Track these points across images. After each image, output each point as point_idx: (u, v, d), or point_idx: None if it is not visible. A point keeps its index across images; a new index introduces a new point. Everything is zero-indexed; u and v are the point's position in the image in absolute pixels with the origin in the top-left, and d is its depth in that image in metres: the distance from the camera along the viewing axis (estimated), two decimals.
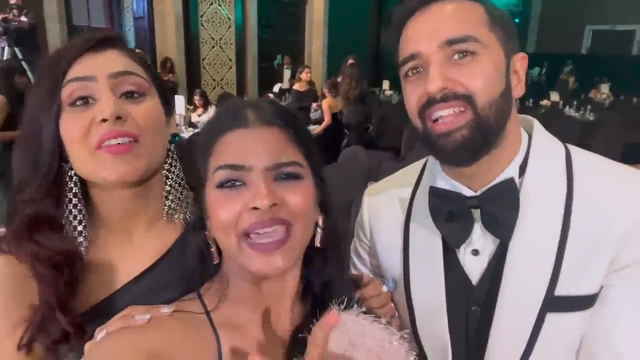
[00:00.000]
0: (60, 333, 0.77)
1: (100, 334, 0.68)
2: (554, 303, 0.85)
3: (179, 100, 6.38)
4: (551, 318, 0.86)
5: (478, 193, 0.90)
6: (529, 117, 0.97)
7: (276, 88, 10.47)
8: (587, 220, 0.85)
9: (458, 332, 0.94)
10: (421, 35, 0.85)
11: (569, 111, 9.05)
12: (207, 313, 0.72)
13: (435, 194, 0.93)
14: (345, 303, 0.76)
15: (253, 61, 11.30)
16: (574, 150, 0.93)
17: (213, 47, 10.56)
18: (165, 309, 0.70)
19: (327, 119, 6.68)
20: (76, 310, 0.79)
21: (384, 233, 1.05)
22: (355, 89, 6.78)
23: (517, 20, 16.60)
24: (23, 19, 7.42)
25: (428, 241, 0.96)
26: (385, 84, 10.77)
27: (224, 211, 0.68)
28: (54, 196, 0.80)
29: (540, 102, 9.57)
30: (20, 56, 7.10)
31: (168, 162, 0.89)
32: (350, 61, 7.74)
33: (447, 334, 0.94)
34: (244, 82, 11.30)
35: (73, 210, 0.81)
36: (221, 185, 0.69)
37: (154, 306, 0.71)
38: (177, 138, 0.93)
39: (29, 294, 0.78)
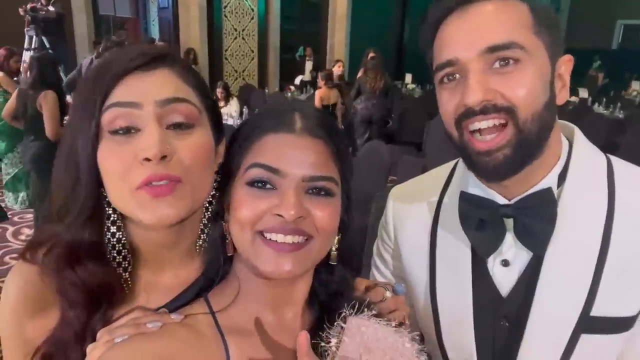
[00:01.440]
0: (81, 357, 0.72)
1: (108, 336, 0.67)
2: (589, 323, 0.81)
3: None
4: (585, 339, 0.81)
5: (512, 202, 0.85)
6: (570, 125, 0.91)
7: (297, 80, 10.46)
8: (628, 237, 0.80)
9: (485, 344, 0.90)
10: (459, 40, 0.78)
11: (598, 108, 8.81)
12: (215, 320, 0.71)
13: (466, 199, 0.89)
14: (356, 307, 0.75)
15: (275, 52, 11.31)
16: (616, 161, 0.88)
17: (235, 38, 10.58)
18: (175, 316, 0.70)
19: None
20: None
21: (410, 236, 1.02)
22: (379, 81, 6.73)
23: None
24: (51, 8, 7.55)
25: (456, 248, 0.93)
26: (408, 78, 10.63)
27: (248, 210, 0.67)
28: (95, 224, 0.73)
29: (569, 99, 9.30)
30: (47, 45, 7.23)
31: (212, 193, 0.79)
32: (371, 54, 7.66)
33: (473, 346, 0.90)
34: (265, 74, 11.31)
35: (112, 239, 0.75)
36: (252, 183, 0.68)
37: (164, 313, 0.70)
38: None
39: (49, 315, 0.74)
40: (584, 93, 9.33)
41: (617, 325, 0.81)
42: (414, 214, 1.01)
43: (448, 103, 0.82)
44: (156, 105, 0.70)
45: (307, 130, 0.70)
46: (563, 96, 0.82)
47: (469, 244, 0.90)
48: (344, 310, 0.74)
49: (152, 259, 0.80)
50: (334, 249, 0.75)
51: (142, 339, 0.66)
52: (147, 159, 0.67)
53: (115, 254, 0.75)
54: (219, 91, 6.78)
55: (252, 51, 10.91)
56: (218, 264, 0.75)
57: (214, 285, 0.76)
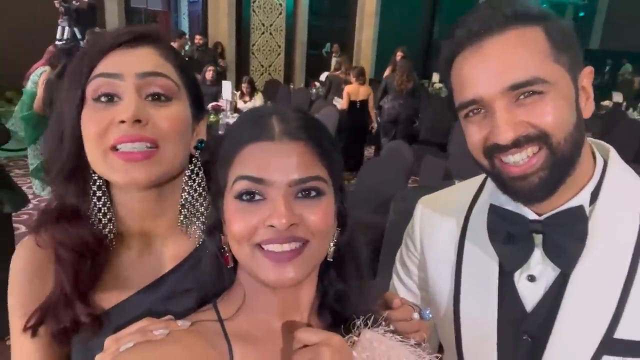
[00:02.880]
0: (71, 321, 0.77)
1: (115, 345, 0.67)
2: (612, 345, 0.79)
3: (227, 86, 6.45)
4: None
5: (543, 218, 0.84)
6: (606, 144, 0.90)
7: (322, 76, 10.44)
8: None
9: (506, 359, 0.89)
10: (480, 79, 0.76)
11: (633, 114, 8.53)
12: (223, 327, 0.71)
13: (496, 213, 0.88)
14: (371, 320, 0.74)
15: (302, 48, 11.31)
16: None
17: (263, 33, 10.63)
18: (182, 323, 0.70)
19: (344, 105, 6.68)
20: (96, 305, 0.80)
21: (437, 247, 1.00)
22: (408, 82, 6.69)
23: (581, 14, 15.75)
24: None
25: (483, 261, 0.91)
26: (435, 77, 10.50)
27: (240, 224, 0.67)
28: (79, 187, 0.80)
29: (601, 103, 9.04)
30: (79, 36, 7.39)
31: (190, 168, 0.84)
32: (400, 54, 7.59)
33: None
34: (291, 69, 11.33)
35: (97, 202, 0.80)
36: (240, 197, 0.67)
37: (171, 320, 0.70)
38: (202, 145, 0.87)
39: (47, 283, 0.79)
40: (617, 97, 9.03)
41: None
42: (442, 224, 1.00)
43: (476, 136, 0.81)
44: (136, 77, 0.76)
45: (287, 134, 0.68)
46: (589, 109, 0.81)
47: (496, 257, 0.89)
48: (359, 322, 0.73)
49: (137, 231, 0.84)
50: (331, 245, 0.73)
51: (147, 346, 0.66)
52: (123, 121, 0.73)
53: (100, 216, 0.81)
54: (244, 86, 6.85)
55: (279, 46, 10.95)
56: (217, 274, 0.75)
57: (221, 293, 0.76)
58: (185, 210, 0.85)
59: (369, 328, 0.73)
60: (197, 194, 0.85)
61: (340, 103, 6.78)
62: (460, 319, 0.94)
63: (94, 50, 0.77)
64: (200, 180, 0.85)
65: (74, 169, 0.78)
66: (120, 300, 0.81)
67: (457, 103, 0.82)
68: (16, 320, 0.81)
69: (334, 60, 11.36)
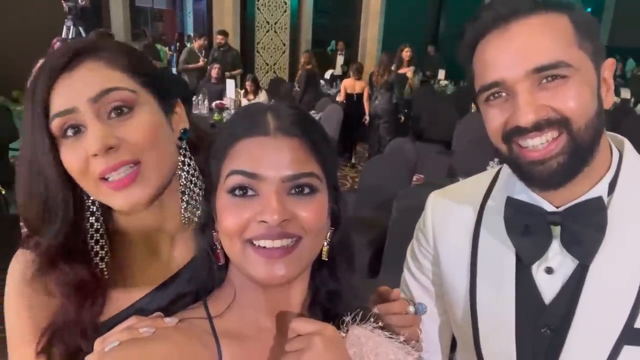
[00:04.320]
0: (78, 345, 0.77)
1: (101, 345, 0.66)
2: (632, 335, 0.79)
3: (230, 84, 6.45)
4: (628, 350, 0.79)
5: (561, 209, 0.84)
6: (620, 136, 0.90)
7: (327, 74, 10.42)
8: None
9: (525, 353, 0.88)
10: (504, 61, 0.77)
11: None
12: (211, 323, 0.71)
13: (513, 205, 0.87)
14: (360, 316, 0.73)
15: (306, 46, 11.29)
16: None
17: (268, 31, 10.62)
18: (169, 320, 0.69)
19: (341, 97, 7.12)
20: (96, 323, 0.79)
21: (451, 241, 1.00)
22: (382, 76, 6.80)
23: (589, 10, 15.61)
24: None
25: (499, 253, 0.91)
26: (441, 74, 10.44)
27: (232, 219, 0.67)
28: (75, 225, 0.78)
29: None
30: (84, 35, 7.40)
31: (180, 159, 0.83)
32: (407, 50, 7.59)
33: (514, 354, 0.88)
34: (296, 67, 11.30)
35: (90, 229, 0.79)
36: (232, 191, 0.67)
37: (158, 317, 0.70)
38: (186, 135, 0.85)
39: (47, 293, 0.79)
40: (625, 93, 8.94)
41: None
42: (456, 218, 0.99)
43: (496, 120, 0.81)
44: (90, 102, 0.73)
45: (281, 129, 0.68)
46: (609, 100, 0.82)
47: (513, 249, 0.88)
48: (347, 317, 0.72)
49: (142, 240, 0.84)
50: (325, 244, 0.73)
51: (133, 344, 0.65)
52: (95, 155, 0.72)
53: (93, 244, 0.79)
54: (248, 84, 6.88)
55: (284, 44, 10.93)
56: (208, 272, 0.75)
57: (212, 291, 0.75)
58: (185, 202, 0.83)
59: (357, 324, 0.73)
60: (193, 184, 0.85)
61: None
62: (477, 312, 0.93)
63: (39, 89, 0.74)
64: (193, 170, 0.85)
65: (73, 209, 0.77)
66: (129, 303, 0.81)
67: (479, 86, 0.81)
68: (22, 338, 0.79)
69: (339, 58, 11.34)
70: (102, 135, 0.72)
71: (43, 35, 5.47)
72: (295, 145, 0.68)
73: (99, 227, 0.80)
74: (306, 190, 0.68)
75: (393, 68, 7.06)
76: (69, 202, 0.77)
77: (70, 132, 0.74)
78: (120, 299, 0.82)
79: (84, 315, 0.77)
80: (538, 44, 0.75)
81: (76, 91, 0.74)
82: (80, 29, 7.49)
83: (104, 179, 0.74)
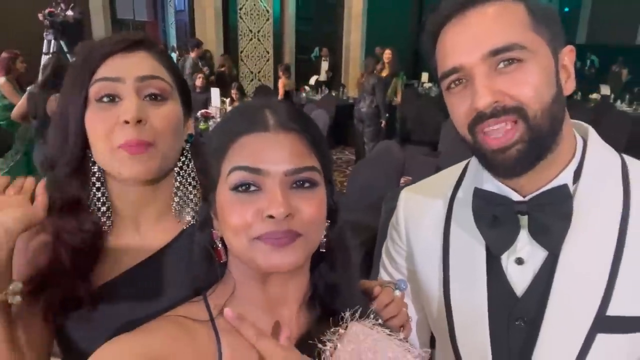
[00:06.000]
0: (71, 293, 0.81)
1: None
2: (605, 323, 0.79)
3: (215, 93, 6.43)
4: (602, 339, 0.80)
5: (527, 198, 0.84)
6: (584, 124, 0.92)
7: (312, 80, 10.44)
8: None
9: (500, 345, 0.88)
10: (461, 47, 0.79)
11: (621, 105, 8.58)
12: (212, 318, 0.71)
13: (480, 196, 0.88)
14: (359, 313, 0.73)
15: (290, 53, 11.32)
16: (630, 161, 0.87)
17: (251, 39, 10.63)
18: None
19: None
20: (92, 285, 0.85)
21: (422, 235, 1.00)
22: (363, 79, 6.77)
23: (566, 10, 15.88)
24: (69, 12, 7.67)
25: (470, 246, 0.91)
26: (425, 77, 10.54)
27: (237, 216, 0.67)
28: (79, 179, 0.87)
29: (590, 96, 9.11)
30: (65, 49, 7.34)
31: (181, 160, 0.92)
32: (388, 52, 7.60)
33: (488, 347, 0.88)
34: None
35: (97, 193, 0.88)
36: (236, 188, 0.67)
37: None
38: (192, 138, 0.95)
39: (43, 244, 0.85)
40: (605, 90, 9.10)
41: (634, 324, 0.79)
42: (426, 212, 1.00)
43: (458, 108, 0.82)
44: (136, 80, 0.84)
45: (280, 125, 0.69)
46: (569, 87, 0.83)
47: (483, 241, 0.89)
48: (346, 314, 0.73)
49: (129, 216, 0.90)
50: (322, 237, 0.74)
51: (131, 337, 0.65)
52: (127, 122, 0.80)
53: (100, 205, 0.88)
54: (233, 92, 6.93)
55: (268, 52, 10.94)
56: (209, 269, 0.75)
57: (213, 286, 0.76)
58: (178, 197, 0.91)
59: (356, 321, 0.73)
60: (187, 182, 0.92)
61: None
62: (451, 307, 0.93)
63: (93, 56, 0.84)
64: (190, 171, 0.93)
65: (78, 164, 0.86)
66: (111, 277, 0.87)
67: (440, 73, 0.83)
68: None
69: (323, 64, 11.38)
70: (137, 107, 0.81)
71: (25, 51, 5.41)
72: (295, 140, 0.69)
73: (104, 190, 0.88)
74: (307, 184, 0.68)
75: (375, 71, 7.04)
76: (78, 153, 0.86)
77: (106, 99, 0.83)
78: (104, 273, 0.87)
79: (80, 261, 0.83)
80: (493, 28, 0.77)
81: (128, 67, 0.84)
82: (62, 43, 7.42)
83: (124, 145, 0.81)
